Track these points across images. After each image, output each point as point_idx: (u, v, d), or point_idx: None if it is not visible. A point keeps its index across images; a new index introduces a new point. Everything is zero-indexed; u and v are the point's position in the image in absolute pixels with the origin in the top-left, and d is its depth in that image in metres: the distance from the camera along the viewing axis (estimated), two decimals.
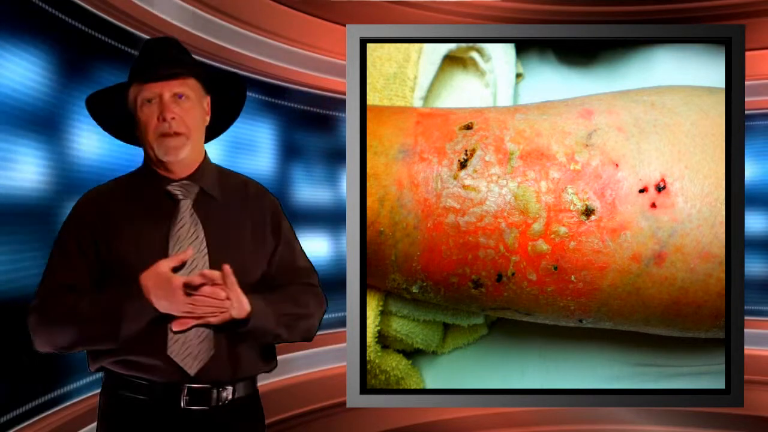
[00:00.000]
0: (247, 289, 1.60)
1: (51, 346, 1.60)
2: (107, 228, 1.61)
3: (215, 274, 1.54)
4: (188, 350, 1.58)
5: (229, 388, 1.63)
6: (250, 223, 1.69)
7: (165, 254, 1.58)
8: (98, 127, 1.74)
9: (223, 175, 1.73)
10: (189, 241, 1.60)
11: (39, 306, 1.59)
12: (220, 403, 1.62)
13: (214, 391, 1.61)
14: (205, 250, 1.61)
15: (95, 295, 1.57)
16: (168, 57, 1.63)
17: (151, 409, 1.59)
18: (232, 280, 1.53)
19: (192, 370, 1.58)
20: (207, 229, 1.62)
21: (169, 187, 1.64)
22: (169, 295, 1.52)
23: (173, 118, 1.60)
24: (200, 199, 1.65)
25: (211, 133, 1.73)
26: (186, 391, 1.59)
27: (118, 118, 1.68)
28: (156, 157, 1.63)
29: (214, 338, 1.59)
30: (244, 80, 1.75)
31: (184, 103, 1.62)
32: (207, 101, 1.69)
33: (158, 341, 1.57)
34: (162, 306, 1.54)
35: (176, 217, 1.62)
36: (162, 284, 1.52)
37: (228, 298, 1.54)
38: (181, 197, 1.63)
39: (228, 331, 1.59)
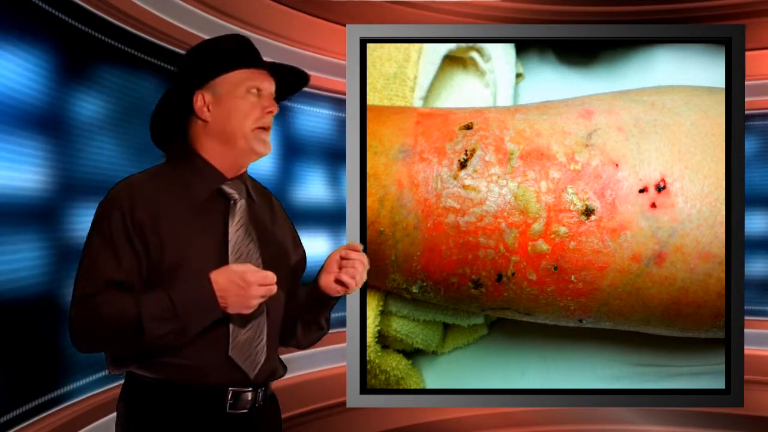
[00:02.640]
0: (287, 289, 1.62)
1: (101, 348, 1.55)
2: (157, 223, 1.52)
3: (359, 245, 1.58)
4: (248, 353, 1.56)
5: (264, 390, 1.61)
6: (280, 227, 1.68)
7: (225, 256, 1.54)
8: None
9: (252, 180, 1.72)
10: (246, 243, 1.58)
11: (88, 305, 1.50)
12: (257, 405, 1.61)
13: (257, 393, 1.59)
14: (258, 252, 1.58)
15: (157, 296, 1.49)
16: (260, 55, 1.62)
17: (192, 414, 1.54)
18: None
19: (253, 374, 1.56)
20: (256, 232, 1.62)
21: (224, 187, 1.60)
22: (247, 290, 1.48)
23: (272, 113, 1.60)
24: (247, 200, 1.64)
25: None
26: (231, 394, 1.57)
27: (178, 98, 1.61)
28: (248, 147, 1.59)
29: (267, 342, 1.58)
30: (307, 77, 1.73)
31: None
32: None
33: (214, 344, 1.54)
34: (236, 305, 1.50)
35: (234, 218, 1.59)
36: (236, 280, 1.48)
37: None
38: (237, 197, 1.61)
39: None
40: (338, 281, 1.59)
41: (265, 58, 1.64)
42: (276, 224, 1.67)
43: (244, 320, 1.56)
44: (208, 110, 1.58)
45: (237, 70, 1.59)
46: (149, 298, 1.49)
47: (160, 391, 1.55)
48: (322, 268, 1.63)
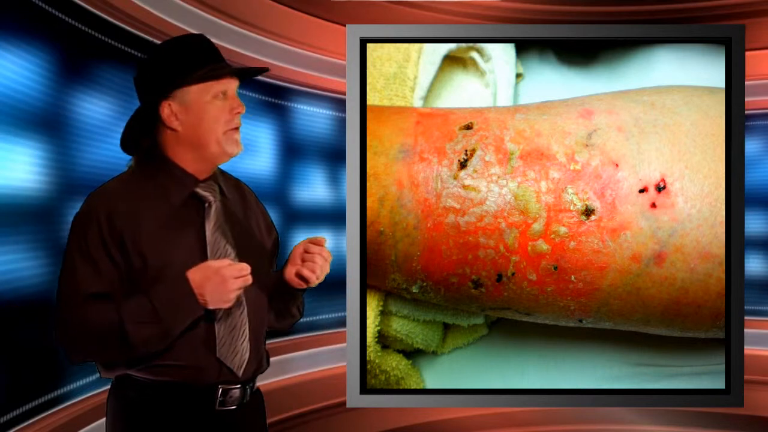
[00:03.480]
0: (266, 284, 1.66)
1: (92, 358, 1.57)
2: (135, 230, 1.55)
3: (322, 239, 1.64)
4: (235, 351, 1.58)
5: (250, 386, 1.64)
6: (254, 221, 1.72)
7: (204, 257, 1.57)
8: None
9: (222, 174, 1.74)
10: (223, 243, 1.60)
11: (73, 321, 1.52)
12: (245, 401, 1.62)
13: (245, 389, 1.62)
14: (234, 251, 1.61)
15: (138, 300, 1.52)
16: (219, 54, 1.64)
17: (181, 413, 1.57)
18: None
19: (240, 372, 1.59)
20: (231, 230, 1.63)
21: (198, 190, 1.61)
22: (223, 284, 1.51)
23: (239, 113, 1.62)
24: (221, 199, 1.65)
25: None
26: (221, 392, 1.59)
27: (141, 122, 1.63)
28: (221, 151, 1.61)
29: (250, 337, 1.60)
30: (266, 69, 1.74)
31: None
32: None
33: (201, 344, 1.56)
34: (215, 300, 1.52)
35: (210, 220, 1.61)
36: (211, 276, 1.51)
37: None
38: (211, 199, 1.62)
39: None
40: (299, 275, 1.63)
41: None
42: (250, 215, 1.71)
43: (227, 319, 1.58)
44: (177, 119, 1.60)
45: (201, 81, 1.60)
46: (130, 304, 1.52)
47: (150, 390, 1.57)
48: (287, 260, 1.67)
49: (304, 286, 1.65)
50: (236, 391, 1.60)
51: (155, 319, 1.50)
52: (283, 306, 1.71)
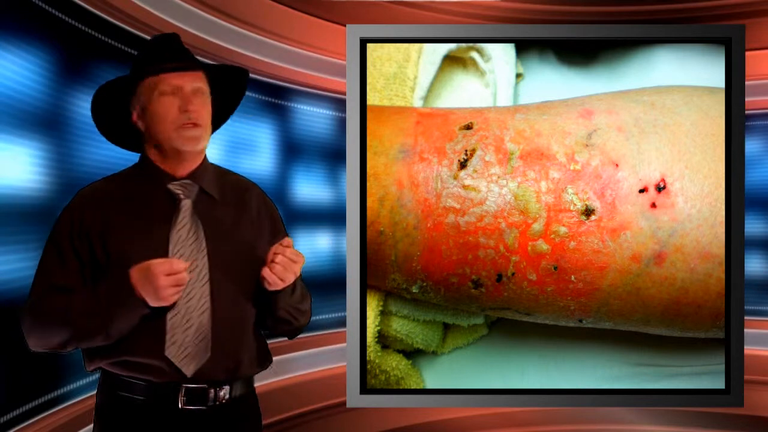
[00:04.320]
0: (248, 287, 1.64)
1: (44, 345, 1.61)
2: (104, 227, 1.59)
3: (287, 240, 1.60)
4: (186, 351, 1.58)
5: (226, 388, 1.63)
6: (249, 224, 1.70)
7: (165, 255, 1.58)
8: (97, 124, 1.73)
9: (222, 174, 1.73)
10: (189, 242, 1.60)
11: (31, 307, 1.59)
12: (217, 403, 1.62)
13: (211, 390, 1.61)
14: (205, 250, 1.61)
15: (86, 293, 1.56)
16: (181, 50, 1.64)
17: (149, 410, 1.59)
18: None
19: (189, 372, 1.58)
20: (207, 229, 1.62)
21: (170, 186, 1.63)
22: (153, 281, 1.51)
23: (194, 111, 1.60)
24: (200, 198, 1.65)
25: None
26: (183, 391, 1.59)
27: (115, 118, 1.66)
28: (173, 147, 1.61)
29: (212, 339, 1.59)
30: (247, 72, 1.75)
31: (200, 97, 1.62)
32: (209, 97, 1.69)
33: (156, 342, 1.57)
34: (150, 297, 1.53)
35: (177, 217, 1.61)
36: (144, 272, 1.52)
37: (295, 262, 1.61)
38: (182, 197, 1.62)
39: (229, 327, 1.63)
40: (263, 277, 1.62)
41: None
42: (243, 220, 1.69)
43: (182, 318, 1.58)
44: (139, 118, 1.64)
45: (146, 78, 1.62)
46: (78, 295, 1.56)
47: (123, 386, 1.61)
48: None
49: (271, 287, 1.61)
50: (208, 392, 1.60)
51: (98, 312, 1.54)
52: (268, 310, 1.69)
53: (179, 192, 1.62)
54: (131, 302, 1.53)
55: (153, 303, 1.54)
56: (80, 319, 1.54)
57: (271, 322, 1.70)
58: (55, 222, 1.63)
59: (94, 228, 1.59)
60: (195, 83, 1.62)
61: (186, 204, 1.62)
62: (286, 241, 1.60)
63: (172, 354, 1.57)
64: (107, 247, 1.59)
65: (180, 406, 1.59)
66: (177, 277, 1.52)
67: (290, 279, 1.60)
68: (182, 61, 1.62)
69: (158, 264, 1.52)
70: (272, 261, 1.59)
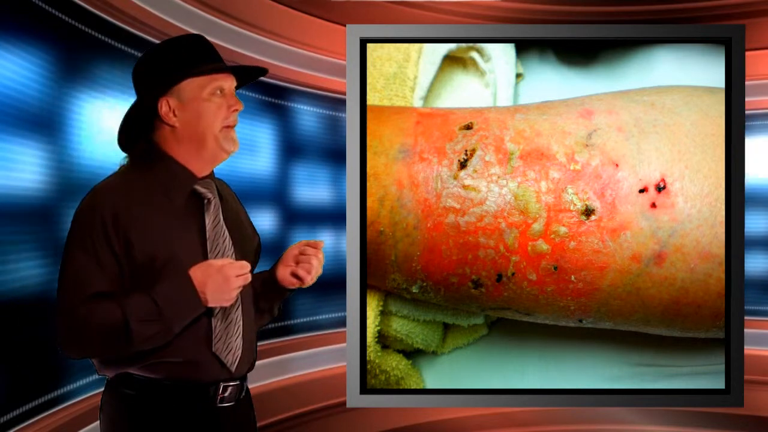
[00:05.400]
0: (253, 283, 1.66)
1: (94, 355, 1.57)
2: (140, 226, 1.55)
3: (319, 242, 1.68)
4: (229, 347, 1.59)
5: (245, 383, 1.66)
6: (246, 219, 1.74)
7: (205, 255, 1.58)
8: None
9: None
10: (222, 240, 1.61)
11: (74, 319, 1.52)
12: (241, 398, 1.64)
13: (239, 386, 1.63)
14: (233, 248, 1.62)
15: (141, 298, 1.52)
16: (216, 52, 1.65)
17: (182, 410, 1.57)
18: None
19: (234, 367, 1.60)
20: (228, 226, 1.64)
21: (197, 187, 1.62)
22: (225, 282, 1.53)
23: (237, 110, 1.63)
24: (217, 197, 1.66)
25: None
26: (222, 388, 1.60)
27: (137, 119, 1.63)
28: (220, 147, 1.61)
29: (243, 334, 1.61)
30: (266, 71, 1.75)
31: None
32: None
33: (203, 340, 1.57)
34: (216, 298, 1.53)
35: (209, 217, 1.61)
36: (213, 274, 1.53)
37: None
38: (210, 196, 1.63)
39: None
40: (294, 275, 1.67)
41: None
42: (243, 217, 1.73)
43: (223, 315, 1.59)
44: (174, 115, 1.61)
45: (197, 76, 1.61)
46: (134, 302, 1.52)
47: (149, 387, 1.58)
48: (279, 261, 1.70)
49: (297, 285, 1.68)
50: (234, 388, 1.62)
51: (158, 317, 1.51)
52: (268, 305, 1.73)
53: (207, 191, 1.62)
54: (193, 303, 1.53)
55: (214, 303, 1.54)
56: (141, 326, 1.50)
57: (260, 316, 1.73)
58: (78, 223, 1.56)
59: (131, 228, 1.54)
60: (234, 84, 1.64)
61: (216, 203, 1.63)
62: (320, 243, 1.68)
63: (220, 350, 1.58)
64: (148, 247, 1.55)
65: (217, 403, 1.59)
66: (246, 277, 1.55)
67: (315, 279, 1.68)
68: (221, 62, 1.63)
69: (228, 265, 1.54)
70: (305, 261, 1.66)
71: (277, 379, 3.03)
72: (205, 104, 1.60)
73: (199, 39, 1.65)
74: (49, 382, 2.20)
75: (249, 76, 1.71)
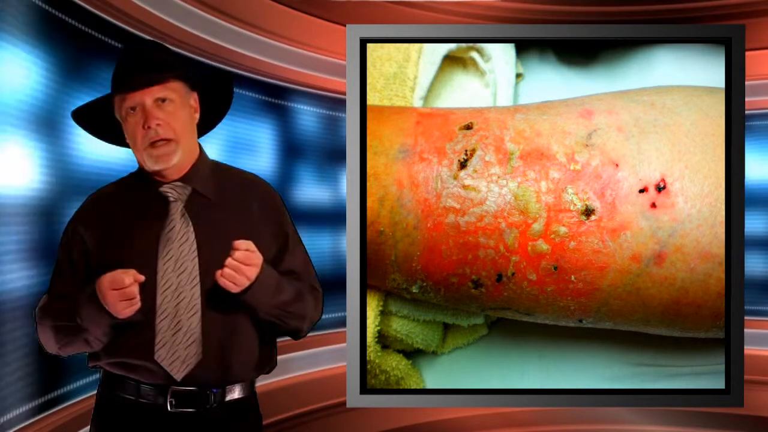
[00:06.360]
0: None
1: (51, 350, 1.65)
2: (98, 234, 1.61)
3: (239, 243, 1.55)
4: (175, 354, 1.57)
5: (218, 391, 1.62)
6: (246, 224, 1.67)
7: (155, 256, 1.57)
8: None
9: (222, 172, 1.71)
10: (179, 243, 1.59)
11: (38, 315, 1.63)
12: (208, 406, 1.61)
13: (202, 394, 1.60)
14: (195, 252, 1.59)
15: (67, 299, 1.60)
16: (144, 63, 1.59)
17: (141, 410, 1.60)
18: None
19: (179, 375, 1.57)
20: (198, 230, 1.61)
21: (162, 189, 1.62)
22: (101, 295, 1.51)
23: (158, 125, 1.57)
24: (193, 199, 1.63)
25: (204, 127, 1.72)
26: (171, 393, 1.58)
27: (110, 126, 1.65)
28: (148, 167, 1.61)
29: (203, 343, 1.58)
30: (230, 74, 1.75)
31: (167, 107, 1.58)
32: (194, 98, 1.65)
33: (146, 344, 1.57)
34: (109, 307, 1.52)
35: (167, 218, 1.60)
36: (98, 285, 1.52)
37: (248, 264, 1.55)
38: (172, 199, 1.61)
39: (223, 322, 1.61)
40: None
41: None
42: (239, 221, 1.66)
43: (172, 322, 1.57)
44: (123, 131, 1.65)
45: (116, 96, 1.61)
46: (66, 303, 1.59)
47: (119, 386, 1.62)
48: None
49: (228, 289, 1.56)
50: (198, 395, 1.59)
51: (70, 319, 1.56)
52: (251, 311, 1.65)
53: (170, 194, 1.61)
54: (93, 311, 1.53)
55: (114, 314, 1.52)
56: (60, 325, 1.59)
57: (277, 325, 1.69)
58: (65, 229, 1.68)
59: (89, 236, 1.61)
60: (160, 93, 1.58)
61: (175, 206, 1.61)
62: (237, 244, 1.54)
63: (162, 357, 1.57)
64: (102, 253, 1.60)
65: (169, 408, 1.58)
66: (123, 292, 1.49)
67: (243, 283, 1.54)
68: (145, 73, 1.57)
69: (104, 278, 1.50)
70: (224, 264, 1.54)
71: (277, 379, 3.03)
72: (126, 126, 1.61)
73: (124, 53, 1.62)
74: (49, 382, 2.20)
75: (211, 80, 1.69)
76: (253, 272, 1.55)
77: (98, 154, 2.32)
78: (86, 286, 1.57)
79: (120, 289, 1.49)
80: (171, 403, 1.58)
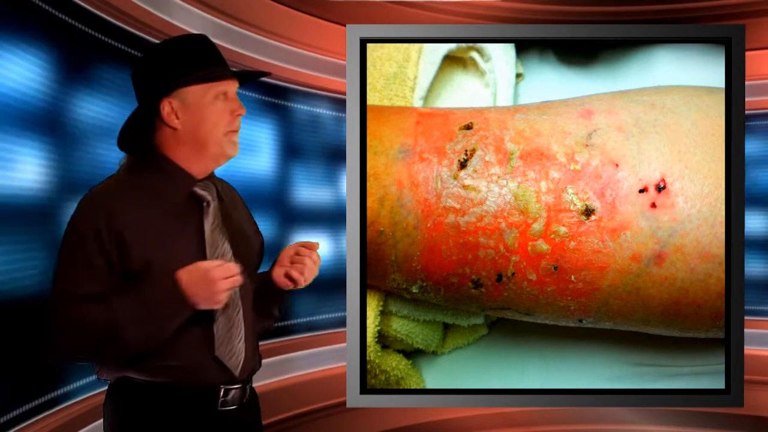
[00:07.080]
0: (250, 283, 1.65)
1: (88, 358, 1.57)
2: (135, 229, 1.54)
3: (314, 244, 1.66)
4: (232, 351, 1.58)
5: (248, 385, 1.65)
6: (246, 222, 1.72)
7: (203, 257, 1.56)
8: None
9: (214, 175, 1.73)
10: (221, 243, 1.59)
11: (68, 320, 1.51)
12: (244, 401, 1.63)
13: (242, 389, 1.62)
14: (231, 251, 1.60)
15: (129, 300, 1.50)
16: (220, 54, 1.64)
17: (185, 415, 1.56)
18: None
19: (237, 371, 1.58)
20: (226, 230, 1.63)
21: (196, 189, 1.60)
22: (211, 285, 1.50)
23: (240, 115, 1.62)
24: (217, 199, 1.65)
25: None
26: (223, 392, 1.59)
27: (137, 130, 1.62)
28: (222, 152, 1.61)
29: (245, 337, 1.60)
30: (269, 73, 1.76)
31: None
32: None
33: (204, 343, 1.56)
34: (203, 301, 1.50)
35: (208, 220, 1.60)
36: (200, 276, 1.50)
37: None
38: (209, 199, 1.61)
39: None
40: (288, 276, 1.65)
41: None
42: (242, 218, 1.71)
43: (226, 319, 1.58)
44: (177, 118, 1.59)
45: (202, 81, 1.59)
46: (123, 302, 1.50)
47: (150, 392, 1.56)
48: (276, 261, 1.69)
49: (291, 287, 1.66)
50: (237, 391, 1.61)
51: (148, 318, 1.49)
52: (266, 306, 1.70)
53: (206, 194, 1.61)
54: (180, 305, 1.50)
55: (204, 306, 1.51)
56: (131, 326, 1.49)
57: (260, 318, 1.71)
58: (72, 226, 1.55)
59: (127, 231, 1.53)
60: (236, 87, 1.63)
61: (214, 206, 1.61)
62: (315, 244, 1.66)
63: (223, 354, 1.57)
64: (143, 250, 1.53)
65: (218, 407, 1.58)
66: (233, 280, 1.51)
67: (310, 280, 1.66)
68: (225, 65, 1.62)
69: (216, 268, 1.50)
70: (299, 262, 1.64)
71: (277, 379, 3.03)
72: (209, 108, 1.58)
73: (203, 40, 1.63)
74: (49, 382, 2.20)
75: (250, 78, 1.71)
76: (317, 270, 1.67)
77: (98, 154, 2.32)
78: (137, 281, 1.52)
79: (232, 278, 1.52)
80: (222, 401, 1.59)
